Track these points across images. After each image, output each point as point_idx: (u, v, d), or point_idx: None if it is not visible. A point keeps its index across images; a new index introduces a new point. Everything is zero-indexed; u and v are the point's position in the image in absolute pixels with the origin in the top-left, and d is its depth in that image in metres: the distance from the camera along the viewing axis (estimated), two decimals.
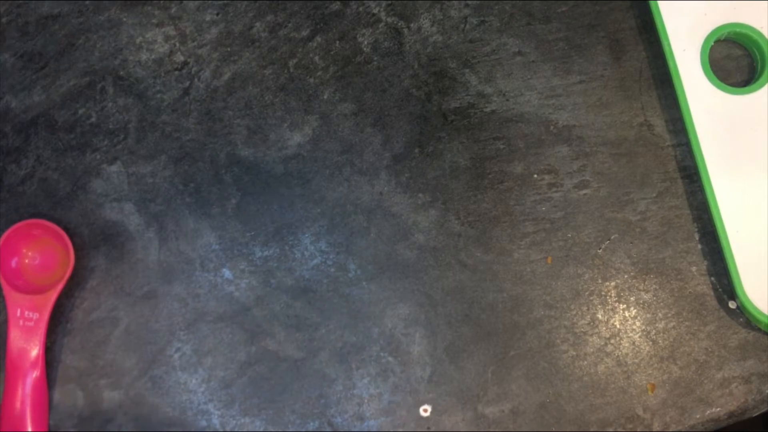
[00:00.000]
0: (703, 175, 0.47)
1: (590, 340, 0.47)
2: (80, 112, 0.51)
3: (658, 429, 0.46)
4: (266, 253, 0.49)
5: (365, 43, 0.51)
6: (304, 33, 0.52)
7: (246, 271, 0.49)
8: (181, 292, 0.48)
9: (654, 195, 0.49)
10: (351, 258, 0.49)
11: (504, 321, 0.48)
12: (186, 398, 0.47)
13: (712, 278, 0.48)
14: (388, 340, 0.48)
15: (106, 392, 0.47)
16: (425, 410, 0.47)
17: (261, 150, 0.50)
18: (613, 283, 0.48)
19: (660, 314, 0.48)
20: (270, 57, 0.51)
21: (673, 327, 0.47)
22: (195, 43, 0.52)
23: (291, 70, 0.51)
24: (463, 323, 0.48)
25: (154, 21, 0.52)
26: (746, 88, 0.49)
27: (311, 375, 0.47)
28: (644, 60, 0.51)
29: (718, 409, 0.46)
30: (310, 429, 0.46)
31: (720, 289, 0.48)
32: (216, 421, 0.47)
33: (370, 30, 0.52)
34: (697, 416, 0.46)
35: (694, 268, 0.48)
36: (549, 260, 0.48)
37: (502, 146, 0.50)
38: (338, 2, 0.52)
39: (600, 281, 0.48)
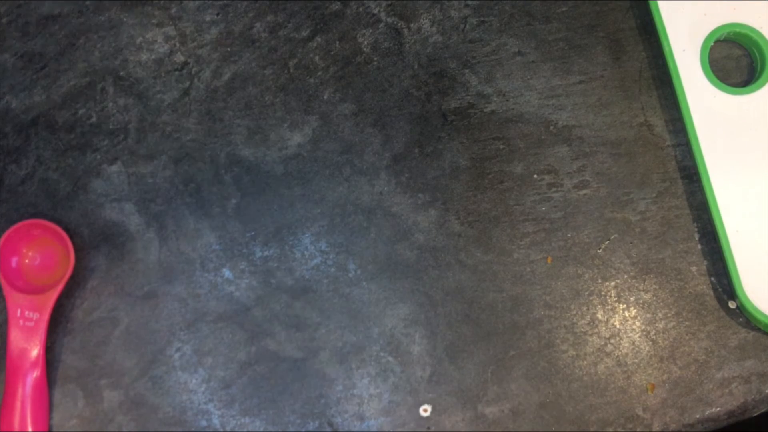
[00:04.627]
0: (702, 175, 0.47)
1: (590, 340, 0.47)
2: (80, 112, 0.51)
3: (658, 429, 0.46)
4: (266, 253, 0.49)
5: (365, 43, 0.52)
6: (304, 33, 0.52)
7: (246, 271, 0.49)
8: (181, 292, 0.48)
9: (654, 195, 0.49)
10: (351, 258, 0.49)
11: (504, 321, 0.48)
12: (186, 398, 0.47)
13: (712, 278, 0.48)
14: (388, 340, 0.48)
15: (107, 392, 0.47)
16: (425, 410, 0.47)
17: (261, 150, 0.50)
18: (612, 283, 0.48)
19: (660, 314, 0.48)
20: (270, 57, 0.51)
21: (673, 327, 0.47)
22: (195, 44, 0.52)
23: (291, 70, 0.51)
24: (463, 323, 0.48)
25: (155, 21, 0.52)
26: (746, 88, 0.49)
27: (311, 375, 0.47)
28: (644, 60, 0.51)
29: (718, 408, 0.46)
30: (310, 429, 0.47)
31: (720, 289, 0.48)
32: (216, 421, 0.47)
33: (370, 30, 0.52)
34: (697, 416, 0.46)
35: (694, 268, 0.48)
36: (549, 260, 0.48)
37: (501, 146, 0.50)
38: (338, 2, 0.52)
39: (600, 281, 0.48)
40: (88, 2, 0.52)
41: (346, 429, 0.46)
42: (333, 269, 0.49)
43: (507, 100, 0.51)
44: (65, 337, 0.48)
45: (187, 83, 0.51)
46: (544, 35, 0.51)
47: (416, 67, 0.51)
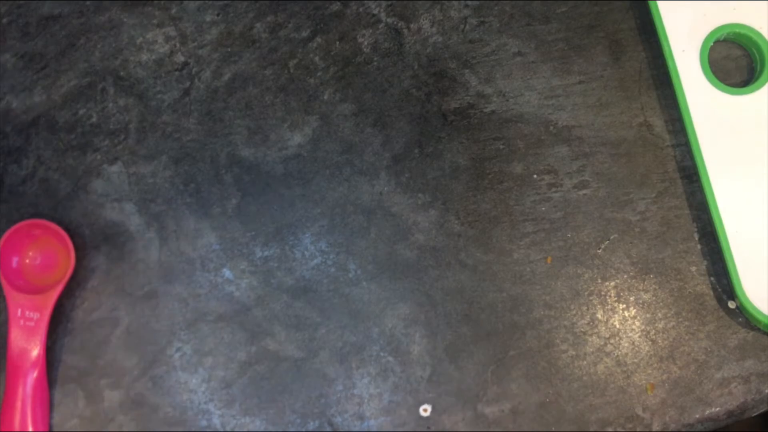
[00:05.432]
0: (702, 175, 0.48)
1: (590, 340, 0.47)
2: (81, 112, 0.51)
3: (658, 429, 0.46)
4: (266, 253, 0.49)
5: (365, 43, 0.52)
6: (305, 33, 0.52)
7: (246, 271, 0.49)
8: (181, 292, 0.48)
9: (653, 195, 0.49)
10: (351, 258, 0.49)
11: (504, 321, 0.48)
12: (186, 398, 0.47)
13: (712, 278, 0.48)
14: (388, 340, 0.48)
15: (107, 392, 0.47)
16: (425, 410, 0.47)
17: (261, 150, 0.50)
18: (612, 283, 0.48)
19: (659, 314, 0.48)
20: (270, 57, 0.52)
21: (673, 327, 0.47)
22: (195, 44, 0.52)
23: (291, 70, 0.51)
24: (463, 323, 0.48)
25: (155, 21, 0.52)
26: (746, 89, 0.49)
27: (311, 375, 0.47)
28: (644, 60, 0.51)
29: (718, 408, 0.46)
30: (310, 428, 0.47)
31: (719, 289, 0.48)
32: (216, 421, 0.47)
33: (370, 30, 0.52)
34: (697, 416, 0.46)
35: (693, 268, 0.48)
36: (549, 260, 0.48)
37: (501, 146, 0.50)
38: (338, 3, 0.52)
39: (599, 281, 0.48)
40: (88, 2, 0.52)
41: (346, 429, 0.47)
42: (333, 269, 0.49)
43: (507, 100, 0.51)
44: (66, 336, 0.48)
45: (188, 83, 0.51)
46: (544, 35, 0.51)
47: (416, 67, 0.51)
